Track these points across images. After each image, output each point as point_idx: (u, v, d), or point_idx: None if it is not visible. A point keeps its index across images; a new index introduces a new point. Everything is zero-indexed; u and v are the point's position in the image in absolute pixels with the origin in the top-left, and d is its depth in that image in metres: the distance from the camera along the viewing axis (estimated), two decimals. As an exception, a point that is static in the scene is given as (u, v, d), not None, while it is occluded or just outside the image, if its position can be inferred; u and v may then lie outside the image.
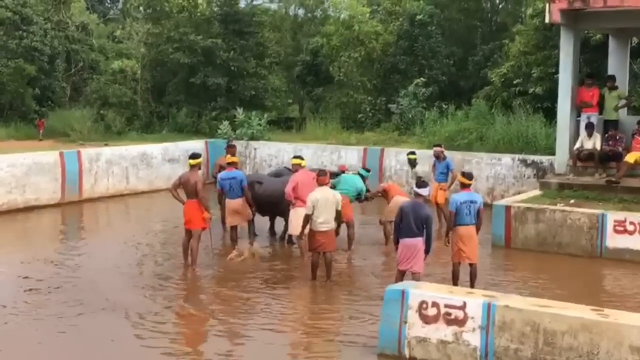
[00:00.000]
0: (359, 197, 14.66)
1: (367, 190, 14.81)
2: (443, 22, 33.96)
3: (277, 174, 15.80)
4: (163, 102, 33.14)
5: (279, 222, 15.29)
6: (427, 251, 10.75)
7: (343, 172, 15.09)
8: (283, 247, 14.74)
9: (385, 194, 14.74)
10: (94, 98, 34.04)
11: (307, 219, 11.92)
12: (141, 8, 36.14)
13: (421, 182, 11.02)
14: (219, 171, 15.71)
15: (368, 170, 15.56)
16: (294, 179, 13.49)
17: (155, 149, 23.30)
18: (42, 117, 33.41)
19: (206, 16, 32.40)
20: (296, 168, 14.01)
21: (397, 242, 10.79)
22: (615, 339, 7.31)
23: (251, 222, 14.44)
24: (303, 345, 9.54)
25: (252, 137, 25.55)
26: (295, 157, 14.44)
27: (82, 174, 20.52)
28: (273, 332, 9.95)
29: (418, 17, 31.23)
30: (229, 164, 14.24)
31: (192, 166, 13.07)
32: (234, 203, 13.83)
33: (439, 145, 17.18)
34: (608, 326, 7.41)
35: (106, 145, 25.01)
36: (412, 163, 16.40)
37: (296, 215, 13.13)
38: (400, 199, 13.79)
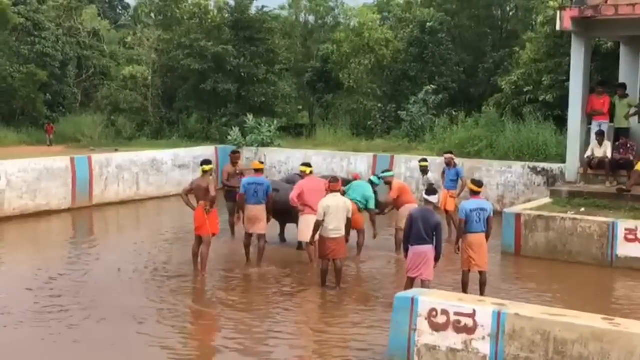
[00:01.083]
0: (370, 209, 14.56)
1: (377, 201, 14.73)
2: (453, 30, 33.96)
3: (288, 181, 15.82)
4: (173, 108, 33.23)
5: (290, 228, 15.30)
6: (437, 258, 10.73)
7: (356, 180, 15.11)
8: (294, 254, 14.71)
9: (395, 202, 14.68)
10: (104, 104, 34.19)
11: (318, 225, 11.93)
12: (152, 14, 36.30)
13: (431, 189, 11.01)
14: (227, 179, 15.78)
15: (380, 177, 15.51)
16: (299, 185, 13.53)
17: (165, 155, 23.36)
18: (51, 122, 33.55)
19: (217, 23, 32.48)
20: (303, 175, 14.04)
21: (406, 250, 10.78)
22: (626, 348, 7.27)
23: (263, 237, 14.30)
24: (312, 351, 9.53)
25: (262, 144, 25.59)
26: (303, 164, 14.43)
27: (92, 180, 20.61)
28: (281, 339, 9.94)
29: (428, 24, 31.23)
30: (256, 170, 14.12)
31: (204, 172, 13.12)
32: (256, 209, 13.55)
33: (450, 153, 17.16)
34: (619, 335, 7.36)
35: (117, 151, 25.11)
36: (424, 170, 16.37)
37: (304, 223, 13.16)
38: (411, 206, 13.80)
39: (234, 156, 16.22)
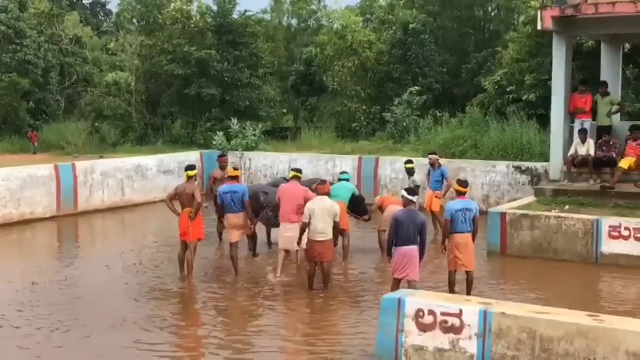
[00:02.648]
0: (356, 211, 14.61)
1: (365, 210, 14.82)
2: (436, 31, 34.14)
3: (275, 184, 15.75)
4: (158, 114, 33.19)
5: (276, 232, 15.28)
6: (420, 257, 10.76)
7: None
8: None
9: (380, 208, 14.71)
10: (88, 111, 34.10)
11: (304, 227, 11.94)
12: (135, 20, 36.26)
13: (411, 189, 11.06)
14: (214, 183, 15.66)
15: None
16: (279, 189, 13.44)
17: (150, 161, 23.29)
18: (35, 130, 33.39)
19: (200, 28, 32.46)
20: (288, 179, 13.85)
21: (391, 251, 10.80)
22: (611, 345, 7.31)
23: (252, 237, 14.30)
24: (300, 355, 9.53)
25: (247, 148, 25.57)
26: (294, 169, 13.89)
27: (77, 187, 20.51)
28: (270, 341, 9.94)
29: (411, 25, 31.37)
30: (231, 177, 13.67)
31: (189, 177, 13.07)
32: (235, 218, 13.25)
33: (434, 154, 17.21)
34: (604, 332, 7.41)
35: (101, 157, 25.02)
36: (410, 172, 16.38)
37: (281, 230, 13.06)
38: (394, 208, 13.83)
39: (222, 160, 16.13)
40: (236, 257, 13.38)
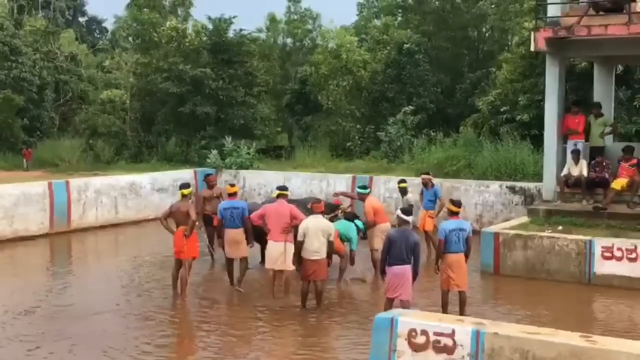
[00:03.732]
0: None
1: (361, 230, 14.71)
2: (430, 51, 34.32)
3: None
4: (152, 132, 33.20)
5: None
6: (414, 277, 10.76)
7: (338, 206, 15.02)
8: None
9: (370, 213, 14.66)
10: (82, 128, 34.13)
11: (299, 246, 11.94)
12: (130, 38, 36.37)
13: (405, 209, 11.07)
14: (204, 203, 15.64)
15: (365, 187, 15.43)
16: (265, 207, 13.30)
17: (144, 179, 23.27)
18: (28, 147, 33.37)
19: (195, 46, 32.56)
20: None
21: (383, 270, 10.79)
22: (603, 366, 7.31)
23: (245, 260, 14.25)
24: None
25: (241, 166, 25.57)
26: (278, 187, 13.62)
27: (70, 204, 20.46)
28: (263, 361, 9.93)
29: (406, 45, 31.55)
30: (230, 194, 13.91)
31: (183, 196, 13.09)
32: (234, 233, 13.42)
33: (427, 173, 17.27)
34: (596, 353, 7.40)
35: (95, 175, 24.99)
36: (403, 191, 16.41)
37: (268, 249, 13.00)
38: (382, 227, 14.04)
39: (210, 179, 16.14)
40: (231, 272, 13.59)
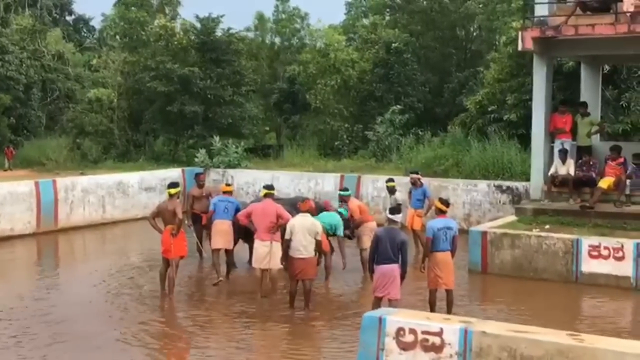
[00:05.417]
0: (338, 235, 14.56)
1: (347, 227, 14.72)
2: (418, 50, 34.37)
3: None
4: (140, 131, 33.07)
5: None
6: (402, 276, 10.77)
7: (326, 208, 15.00)
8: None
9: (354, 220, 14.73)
10: (70, 127, 33.92)
11: (287, 245, 11.93)
12: (118, 37, 36.21)
13: (394, 209, 11.09)
14: (193, 203, 15.66)
15: (346, 189, 15.80)
16: (251, 206, 13.37)
17: (131, 178, 23.21)
18: (11, 146, 33.12)
19: (183, 45, 32.44)
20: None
21: (372, 269, 10.80)
22: (590, 364, 7.34)
23: (231, 252, 14.39)
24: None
25: (229, 165, 25.54)
26: (265, 186, 13.53)
27: (57, 204, 20.38)
28: (250, 361, 9.91)
29: (394, 45, 31.58)
30: (225, 192, 14.53)
31: (171, 195, 13.07)
32: (225, 224, 13.85)
33: (416, 172, 17.30)
34: (584, 351, 7.43)
35: (82, 174, 24.87)
36: (391, 190, 16.47)
37: (255, 247, 12.97)
38: (369, 225, 14.34)
39: (200, 178, 16.16)
40: (218, 263, 13.79)
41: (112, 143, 32.45)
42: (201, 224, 15.32)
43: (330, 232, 14.05)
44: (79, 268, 16.63)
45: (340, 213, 14.58)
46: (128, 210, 22.34)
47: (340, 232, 14.31)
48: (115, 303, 12.66)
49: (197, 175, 16.46)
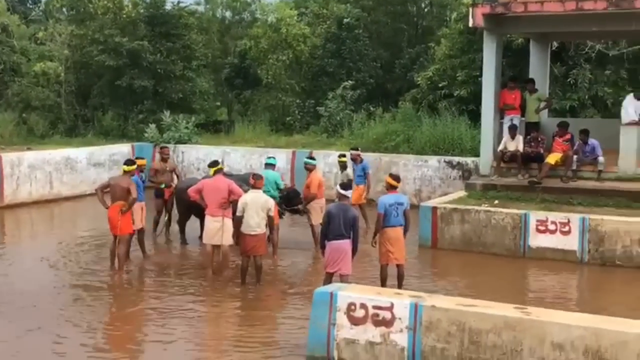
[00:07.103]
0: (290, 205, 14.56)
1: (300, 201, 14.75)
2: (370, 26, 34.30)
3: (244, 180, 15.53)
4: (88, 105, 32.45)
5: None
6: (353, 252, 10.82)
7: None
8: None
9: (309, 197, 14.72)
10: (15, 101, 33.09)
11: (239, 221, 11.88)
12: (64, 9, 35.38)
13: (345, 184, 11.12)
14: (155, 174, 15.45)
15: (312, 158, 15.74)
16: (202, 182, 13.14)
17: (80, 153, 22.84)
18: None
19: (132, 18, 31.81)
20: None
21: (323, 245, 10.82)
22: (537, 336, 7.49)
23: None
24: (231, 349, 9.48)
25: (180, 141, 25.28)
26: (210, 163, 13.41)
27: (3, 180, 19.97)
28: (199, 337, 9.87)
29: (345, 20, 31.46)
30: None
31: (125, 172, 12.90)
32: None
33: (356, 149, 17.42)
34: (531, 324, 7.59)
35: (29, 149, 24.33)
36: (343, 166, 16.53)
37: (206, 224, 12.87)
38: (319, 202, 14.45)
39: (164, 151, 16.00)
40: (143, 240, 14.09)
41: (60, 118, 31.78)
42: (163, 199, 15.25)
43: (275, 195, 14.02)
44: (26, 244, 16.35)
45: (270, 164, 14.78)
46: (76, 187, 22.00)
47: (282, 184, 14.48)
48: (64, 279, 12.49)
49: (161, 148, 16.34)
